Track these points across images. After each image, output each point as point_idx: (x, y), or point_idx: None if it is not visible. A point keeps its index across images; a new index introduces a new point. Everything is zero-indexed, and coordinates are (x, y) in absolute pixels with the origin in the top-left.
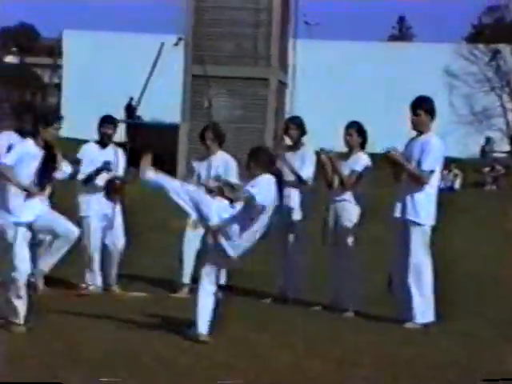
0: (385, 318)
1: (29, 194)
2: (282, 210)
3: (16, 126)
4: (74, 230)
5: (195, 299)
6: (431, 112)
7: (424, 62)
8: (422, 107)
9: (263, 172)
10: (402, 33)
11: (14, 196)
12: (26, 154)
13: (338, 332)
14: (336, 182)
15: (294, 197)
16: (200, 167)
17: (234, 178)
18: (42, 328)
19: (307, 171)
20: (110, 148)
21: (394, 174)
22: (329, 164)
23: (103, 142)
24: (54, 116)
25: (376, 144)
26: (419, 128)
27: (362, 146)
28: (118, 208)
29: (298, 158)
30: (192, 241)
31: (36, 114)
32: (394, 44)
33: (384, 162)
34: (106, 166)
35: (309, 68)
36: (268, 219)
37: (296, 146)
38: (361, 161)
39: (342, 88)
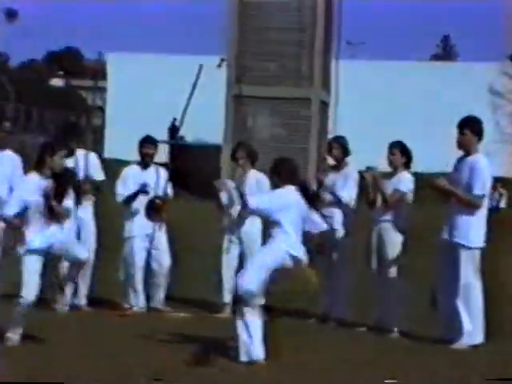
0: (431, 339)
1: (44, 222)
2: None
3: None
4: (83, 256)
5: (240, 322)
6: (478, 133)
7: (468, 81)
8: (469, 127)
9: (286, 184)
10: (445, 51)
11: (29, 224)
12: (26, 190)
13: (383, 352)
14: (379, 200)
15: (336, 217)
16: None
17: None
18: (85, 347)
19: (349, 192)
20: (152, 168)
21: (444, 197)
22: (372, 182)
23: (145, 163)
24: (58, 144)
25: (418, 163)
26: (465, 148)
27: (407, 165)
28: (162, 228)
29: (340, 178)
30: (230, 260)
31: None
32: (437, 63)
33: (430, 188)
34: (143, 189)
35: (351, 88)
36: (296, 226)
37: (339, 165)
38: (405, 181)
39: (385, 108)
